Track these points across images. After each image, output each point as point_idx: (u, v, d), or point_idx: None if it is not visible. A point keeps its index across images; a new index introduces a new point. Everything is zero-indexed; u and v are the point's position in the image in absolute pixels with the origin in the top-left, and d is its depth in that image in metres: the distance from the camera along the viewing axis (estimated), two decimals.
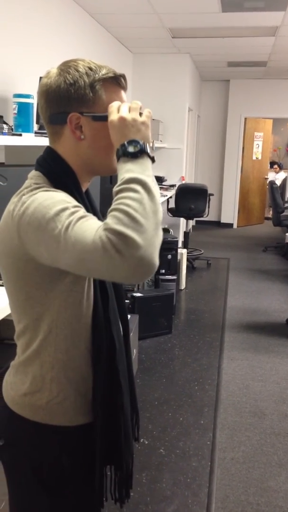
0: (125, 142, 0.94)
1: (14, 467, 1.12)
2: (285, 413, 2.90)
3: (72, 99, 1.01)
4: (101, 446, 1.10)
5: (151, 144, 0.99)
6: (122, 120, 0.96)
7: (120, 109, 0.98)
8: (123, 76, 1.06)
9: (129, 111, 0.98)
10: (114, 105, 0.99)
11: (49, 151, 1.07)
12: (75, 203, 0.93)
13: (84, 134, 1.03)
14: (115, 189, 0.89)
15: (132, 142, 0.94)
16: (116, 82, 1.04)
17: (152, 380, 3.26)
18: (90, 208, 1.11)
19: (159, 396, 3.06)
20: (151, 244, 0.82)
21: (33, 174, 1.06)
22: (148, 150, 0.95)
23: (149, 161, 0.94)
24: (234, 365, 3.53)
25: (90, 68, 1.02)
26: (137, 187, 0.86)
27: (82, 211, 0.90)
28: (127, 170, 0.90)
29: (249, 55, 6.40)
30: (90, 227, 0.85)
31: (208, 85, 8.95)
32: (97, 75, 1.01)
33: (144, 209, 0.84)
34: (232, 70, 7.67)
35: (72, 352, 1.06)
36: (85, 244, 0.83)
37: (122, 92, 1.07)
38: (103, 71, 1.02)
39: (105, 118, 1.02)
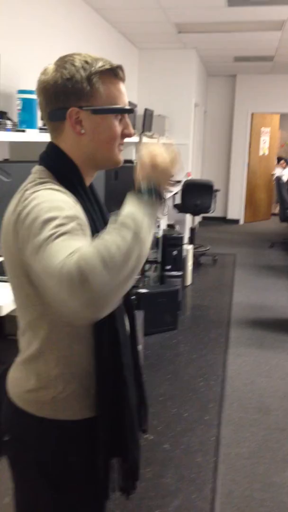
0: (147, 187, 0.93)
1: (19, 462, 1.13)
2: None
3: (69, 94, 1.01)
4: (105, 439, 1.10)
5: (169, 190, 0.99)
6: (155, 167, 0.95)
7: (155, 154, 0.96)
8: (120, 67, 1.05)
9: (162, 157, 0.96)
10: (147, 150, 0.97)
11: (51, 146, 1.07)
12: (69, 212, 0.90)
13: (84, 128, 1.03)
14: (114, 219, 0.88)
15: (152, 190, 0.93)
16: (113, 73, 1.04)
17: (157, 376, 3.26)
18: (94, 202, 1.11)
19: (164, 392, 3.06)
20: (106, 297, 0.79)
21: (37, 168, 1.06)
22: (164, 197, 0.95)
23: (158, 208, 0.93)
24: (239, 361, 3.52)
25: (86, 62, 1.01)
26: (128, 235, 0.83)
27: (69, 226, 0.86)
28: (132, 212, 0.88)
29: (255, 49, 6.36)
30: (65, 249, 0.81)
31: (214, 80, 8.91)
32: (93, 68, 1.01)
33: (122, 261, 0.80)
34: (239, 65, 7.63)
35: (75, 348, 1.06)
36: (51, 265, 0.81)
37: (121, 84, 1.06)
38: (100, 64, 1.02)
39: (104, 111, 1.02)
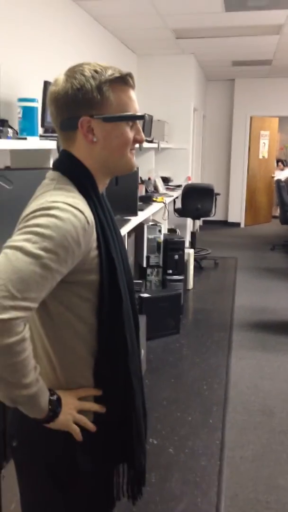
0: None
1: (27, 467, 1.14)
2: None
3: (80, 103, 1.03)
4: (113, 444, 1.11)
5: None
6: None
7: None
8: (129, 74, 1.07)
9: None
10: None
11: (66, 154, 1.09)
12: (67, 242, 0.94)
13: (96, 137, 1.05)
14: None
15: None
16: (123, 81, 1.05)
17: (160, 380, 3.27)
18: (107, 210, 1.13)
19: (167, 396, 3.07)
20: None
21: (54, 174, 1.07)
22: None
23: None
24: (242, 364, 3.52)
25: (96, 71, 1.03)
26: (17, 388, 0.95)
27: (54, 258, 0.93)
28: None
29: (253, 54, 6.40)
30: (28, 282, 0.90)
31: (213, 85, 8.95)
32: (103, 77, 1.03)
33: (14, 372, 0.93)
34: (237, 69, 7.66)
35: (81, 353, 1.08)
36: (3, 271, 0.90)
37: (131, 91, 1.08)
38: (109, 72, 1.04)
39: (115, 119, 1.04)
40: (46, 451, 1.09)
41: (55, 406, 1.02)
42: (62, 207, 0.96)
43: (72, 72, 1.04)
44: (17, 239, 0.93)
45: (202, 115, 8.43)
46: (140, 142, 1.10)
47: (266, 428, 2.73)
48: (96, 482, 1.12)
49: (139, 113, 1.09)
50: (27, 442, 1.11)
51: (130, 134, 1.08)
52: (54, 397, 1.03)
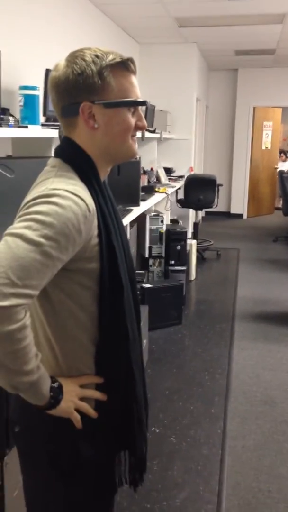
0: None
1: (30, 454, 1.14)
2: None
3: (81, 89, 1.01)
4: (114, 432, 1.11)
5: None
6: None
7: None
8: (131, 59, 1.05)
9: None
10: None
11: (67, 141, 1.08)
12: (68, 230, 0.93)
13: (97, 123, 1.04)
14: None
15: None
16: (124, 66, 1.04)
17: (162, 370, 3.27)
18: (108, 198, 1.11)
19: (169, 385, 3.07)
20: None
21: (56, 161, 1.06)
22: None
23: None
24: (244, 354, 3.53)
25: (97, 56, 1.01)
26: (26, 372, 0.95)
27: (54, 245, 0.92)
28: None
29: (257, 43, 6.34)
30: (29, 269, 0.90)
31: (216, 75, 8.88)
32: (104, 62, 1.01)
33: (15, 360, 0.93)
34: (240, 59, 7.60)
35: (82, 342, 1.07)
36: (4, 258, 0.89)
37: (132, 77, 1.06)
38: (110, 57, 1.02)
39: (116, 104, 1.03)
40: (47, 438, 1.09)
41: (57, 393, 1.02)
42: (63, 195, 0.95)
43: (73, 57, 1.02)
44: (18, 226, 0.92)
45: (205, 105, 8.38)
46: (142, 128, 1.08)
47: (267, 418, 2.74)
48: (97, 470, 1.12)
49: (145, 100, 1.07)
50: (28, 429, 1.11)
51: (132, 120, 1.06)
52: (56, 384, 1.03)
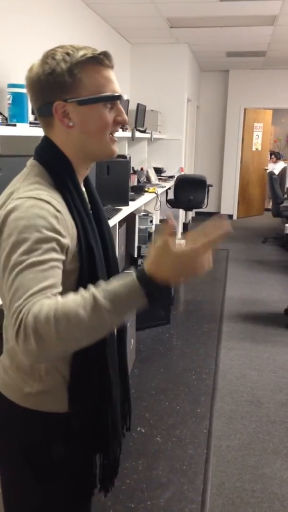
0: (154, 286, 0.86)
1: (5, 451, 1.14)
2: (281, 401, 2.92)
3: (53, 88, 1.00)
4: (88, 434, 1.11)
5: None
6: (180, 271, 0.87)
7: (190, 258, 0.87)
8: (104, 53, 1.02)
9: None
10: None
11: (45, 140, 1.07)
12: (42, 234, 0.90)
13: (72, 121, 1.02)
14: (93, 289, 0.86)
15: (157, 290, 0.86)
16: (97, 61, 1.01)
17: (149, 370, 3.28)
18: (87, 198, 1.11)
19: (156, 385, 3.08)
20: (50, 356, 0.84)
21: (31, 163, 1.06)
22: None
23: (146, 306, 0.87)
24: (231, 354, 3.54)
25: (68, 53, 1.00)
26: (97, 321, 0.83)
27: (38, 252, 0.88)
28: (121, 300, 0.85)
29: (248, 45, 6.36)
30: (26, 286, 0.85)
31: (207, 76, 8.90)
32: (74, 59, 1.00)
33: (78, 337, 0.84)
34: (231, 60, 7.62)
35: None
36: (11, 299, 0.85)
37: (107, 71, 1.03)
38: (81, 53, 1.00)
39: (89, 101, 1.01)
40: (23, 435, 1.09)
41: (154, 299, 0.87)
42: (25, 205, 0.93)
43: (45, 57, 1.02)
44: (1, 261, 0.91)
45: (196, 106, 8.40)
46: (122, 123, 1.06)
47: (253, 418, 2.75)
48: (71, 470, 1.11)
49: (119, 94, 1.04)
50: (4, 426, 1.11)
51: (109, 117, 1.04)
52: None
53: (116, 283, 0.86)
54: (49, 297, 0.86)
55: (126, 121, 1.07)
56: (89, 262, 1.03)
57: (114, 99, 1.04)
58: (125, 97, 1.05)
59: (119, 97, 1.04)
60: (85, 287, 1.01)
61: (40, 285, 0.86)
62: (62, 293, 0.97)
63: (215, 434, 2.59)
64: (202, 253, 0.86)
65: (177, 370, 3.29)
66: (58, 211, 0.96)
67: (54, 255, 0.91)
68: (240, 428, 2.65)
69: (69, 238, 0.98)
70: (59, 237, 0.93)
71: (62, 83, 1.00)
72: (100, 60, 1.02)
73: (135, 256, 4.59)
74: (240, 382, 3.14)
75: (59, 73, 0.99)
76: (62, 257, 0.94)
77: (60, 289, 0.90)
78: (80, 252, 1.01)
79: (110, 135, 1.06)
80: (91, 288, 0.86)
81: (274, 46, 6.42)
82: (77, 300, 0.84)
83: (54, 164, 1.04)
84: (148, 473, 2.28)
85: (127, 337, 1.41)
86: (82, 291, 0.86)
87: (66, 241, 0.95)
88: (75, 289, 1.01)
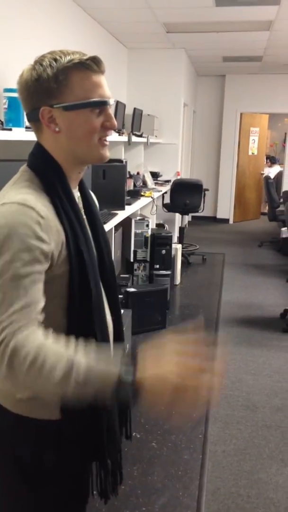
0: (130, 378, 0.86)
1: None
2: (277, 406, 2.92)
3: (39, 93, 1.01)
4: (82, 443, 1.09)
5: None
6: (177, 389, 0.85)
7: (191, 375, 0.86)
8: (93, 59, 1.01)
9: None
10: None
11: (36, 145, 1.08)
12: (24, 244, 0.92)
13: (59, 127, 1.03)
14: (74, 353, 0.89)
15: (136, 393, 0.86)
16: (84, 67, 1.01)
17: None
18: (78, 203, 1.11)
19: None
20: (22, 385, 0.94)
21: (22, 168, 1.07)
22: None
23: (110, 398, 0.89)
24: (227, 359, 3.54)
25: (55, 59, 1.00)
26: (73, 384, 0.86)
27: (19, 264, 0.90)
28: (93, 373, 0.87)
29: (244, 50, 6.39)
30: (9, 300, 0.89)
31: (203, 80, 8.93)
32: (60, 65, 1.00)
33: (46, 382, 0.87)
34: (228, 65, 7.66)
35: None
36: None
37: (96, 76, 1.02)
38: (68, 59, 1.00)
39: (75, 107, 1.00)
40: (15, 442, 1.08)
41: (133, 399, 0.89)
42: (9, 211, 0.94)
43: (34, 63, 1.03)
44: None
45: (192, 110, 8.42)
46: (111, 128, 1.05)
47: (249, 422, 2.75)
48: (65, 478, 1.10)
49: (111, 99, 1.04)
50: None
51: (96, 122, 1.03)
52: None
53: (102, 364, 0.88)
54: (36, 321, 0.90)
55: (115, 126, 1.06)
56: (79, 266, 1.03)
57: (100, 105, 1.03)
58: (111, 102, 1.03)
59: (105, 103, 1.03)
60: (76, 290, 1.02)
61: (22, 302, 0.89)
62: (53, 299, 0.99)
63: (211, 439, 2.58)
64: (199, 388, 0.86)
65: None
66: (42, 217, 0.96)
67: (36, 266, 0.93)
68: (235, 433, 2.65)
69: (54, 243, 0.98)
70: (42, 245, 0.94)
71: (48, 89, 1.00)
72: (87, 65, 1.01)
73: (131, 260, 4.60)
74: (235, 387, 3.14)
75: (45, 79, 1.00)
76: (45, 266, 0.95)
77: (42, 303, 0.94)
78: (69, 256, 1.01)
79: (100, 139, 1.05)
80: (79, 350, 0.89)
81: (270, 51, 6.45)
82: (59, 354, 0.88)
83: (44, 170, 1.05)
84: (143, 479, 2.27)
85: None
86: (71, 343, 0.90)
87: (49, 247, 0.96)
88: (67, 293, 1.03)
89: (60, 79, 1.00)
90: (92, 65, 1.01)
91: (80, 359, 0.87)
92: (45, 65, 1.00)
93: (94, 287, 1.07)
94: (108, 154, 1.09)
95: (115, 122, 1.06)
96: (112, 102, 1.05)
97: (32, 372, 0.86)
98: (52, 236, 0.97)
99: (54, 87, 1.00)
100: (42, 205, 0.98)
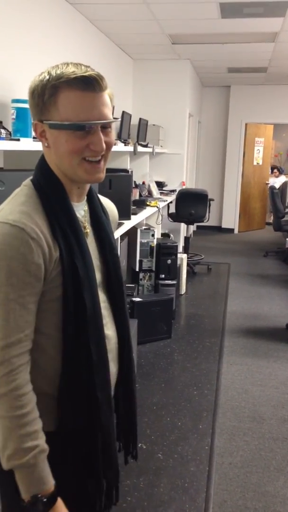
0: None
1: (4, 481, 1.08)
2: (284, 417, 2.89)
3: (33, 107, 1.03)
4: (75, 461, 1.07)
5: None
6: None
7: None
8: (87, 78, 0.96)
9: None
10: None
11: (40, 158, 1.09)
12: (12, 268, 0.94)
13: (47, 142, 1.03)
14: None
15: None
16: (71, 85, 0.97)
17: (151, 385, 3.25)
18: (90, 215, 1.12)
19: (157, 400, 3.05)
20: None
21: (24, 182, 1.08)
22: None
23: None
24: (233, 370, 3.52)
25: (49, 74, 0.99)
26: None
27: (10, 289, 0.94)
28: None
29: (249, 61, 6.43)
30: (3, 329, 0.95)
31: (208, 91, 8.99)
32: (49, 81, 0.98)
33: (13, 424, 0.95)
34: (233, 76, 7.70)
35: (43, 362, 1.05)
36: None
37: (87, 95, 0.97)
38: (58, 75, 0.98)
39: (56, 126, 0.99)
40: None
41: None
42: (5, 230, 0.95)
43: (37, 75, 1.04)
44: None
45: (198, 120, 8.46)
46: (94, 153, 1.00)
47: (255, 434, 2.73)
48: (60, 492, 1.05)
49: (84, 124, 0.97)
50: None
51: (79, 143, 0.99)
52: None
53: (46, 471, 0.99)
54: (26, 364, 0.98)
55: (99, 151, 1.00)
56: (73, 281, 1.02)
57: (77, 128, 0.97)
58: (87, 128, 0.95)
59: (82, 127, 0.97)
60: (70, 304, 1.03)
61: (16, 336, 0.95)
62: (48, 313, 1.04)
63: (217, 451, 2.56)
64: None
65: (179, 385, 3.27)
66: (32, 238, 0.95)
67: (27, 290, 0.96)
68: (242, 445, 2.63)
69: (46, 260, 0.99)
70: (30, 267, 0.96)
71: (38, 104, 1.01)
72: (79, 84, 0.96)
73: (137, 269, 4.59)
74: (242, 398, 3.12)
75: (37, 94, 1.00)
76: (37, 286, 0.98)
77: (32, 326, 0.99)
78: (63, 270, 1.01)
79: (84, 160, 1.01)
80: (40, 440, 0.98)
81: (275, 63, 6.49)
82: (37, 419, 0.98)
83: (43, 184, 1.05)
84: (150, 491, 2.25)
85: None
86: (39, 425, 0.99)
87: (39, 267, 0.97)
88: (62, 303, 1.03)
89: (47, 96, 0.99)
90: (80, 84, 0.96)
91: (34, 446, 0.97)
92: (40, 79, 1.00)
93: (90, 301, 1.05)
94: (98, 175, 1.03)
95: (101, 146, 1.00)
96: (88, 127, 0.98)
97: (10, 412, 0.95)
98: (43, 253, 0.98)
99: (42, 103, 1.00)
100: (34, 223, 0.97)
